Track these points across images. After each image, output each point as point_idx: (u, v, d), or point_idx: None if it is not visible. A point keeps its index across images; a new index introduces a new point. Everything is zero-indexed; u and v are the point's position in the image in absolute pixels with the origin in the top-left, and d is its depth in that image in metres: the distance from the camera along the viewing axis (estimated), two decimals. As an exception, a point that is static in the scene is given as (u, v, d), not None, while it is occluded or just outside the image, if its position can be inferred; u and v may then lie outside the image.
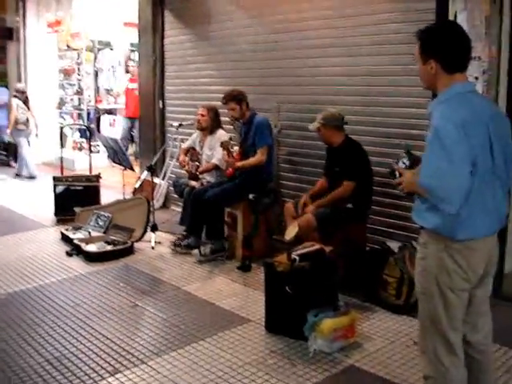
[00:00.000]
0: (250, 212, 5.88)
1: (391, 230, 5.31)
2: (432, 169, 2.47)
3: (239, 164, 5.88)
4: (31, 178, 10.62)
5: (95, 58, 12.03)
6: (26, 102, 10.63)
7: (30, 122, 10.73)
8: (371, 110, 5.49)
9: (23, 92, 10.75)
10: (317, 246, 4.34)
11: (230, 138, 6.13)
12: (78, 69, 11.85)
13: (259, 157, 5.83)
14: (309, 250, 4.27)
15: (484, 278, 2.69)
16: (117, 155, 7.25)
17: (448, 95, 2.58)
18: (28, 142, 10.92)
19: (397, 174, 2.78)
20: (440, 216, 2.51)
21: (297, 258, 4.09)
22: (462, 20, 4.50)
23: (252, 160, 5.86)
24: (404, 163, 2.79)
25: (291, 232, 5.06)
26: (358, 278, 4.81)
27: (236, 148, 6.28)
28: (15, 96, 10.62)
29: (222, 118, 6.51)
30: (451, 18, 4.58)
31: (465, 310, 2.66)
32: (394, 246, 4.81)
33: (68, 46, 11.92)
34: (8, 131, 10.97)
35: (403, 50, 5.08)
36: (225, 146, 5.81)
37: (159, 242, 6.36)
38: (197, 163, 6.46)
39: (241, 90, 6.02)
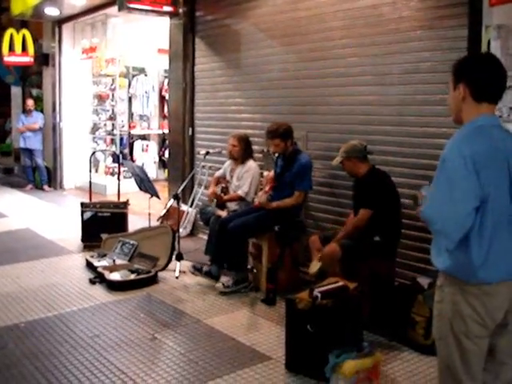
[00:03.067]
0: (275, 243, 5.74)
1: (421, 265, 5.09)
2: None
3: (274, 205, 5.74)
4: None
5: (129, 84, 12.14)
6: None
7: None
8: (402, 139, 5.32)
9: None
10: (340, 283, 4.17)
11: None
12: (112, 94, 11.95)
13: (296, 199, 5.71)
14: (332, 286, 4.10)
15: (506, 326, 2.50)
16: (143, 183, 7.20)
17: (468, 128, 2.47)
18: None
19: (419, 201, 2.68)
20: (454, 257, 2.39)
21: (319, 295, 3.92)
22: (495, 48, 4.33)
23: (287, 202, 5.71)
24: (428, 191, 2.67)
25: (315, 265, 4.90)
26: (384, 315, 4.62)
27: (265, 173, 6.20)
28: None
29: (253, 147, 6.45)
30: (484, 46, 4.42)
31: (484, 358, 2.49)
32: (424, 282, 4.60)
33: (103, 73, 12.04)
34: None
35: (435, 78, 4.95)
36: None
37: (184, 272, 6.24)
38: (222, 185, 6.40)
39: (288, 125, 5.79)
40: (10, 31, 12.79)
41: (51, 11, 11.09)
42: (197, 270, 6.01)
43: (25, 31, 12.83)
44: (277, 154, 5.87)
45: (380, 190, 4.86)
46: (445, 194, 2.34)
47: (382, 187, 4.89)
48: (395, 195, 4.92)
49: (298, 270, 5.91)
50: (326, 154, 6.01)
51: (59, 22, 12.15)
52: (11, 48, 12.77)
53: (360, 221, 4.83)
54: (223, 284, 5.71)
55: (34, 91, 14.24)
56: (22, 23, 13.17)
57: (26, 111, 12.71)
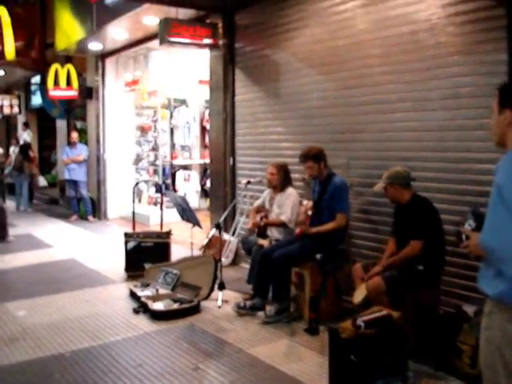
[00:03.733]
0: (317, 272, 5.71)
1: (467, 293, 4.99)
2: (493, 229, 2.35)
3: (314, 230, 5.74)
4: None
5: (171, 115, 12.33)
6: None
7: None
8: (443, 165, 5.27)
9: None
10: (384, 312, 4.12)
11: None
12: (155, 126, 12.15)
13: (338, 223, 5.68)
14: (375, 315, 4.05)
15: None
16: (185, 212, 7.27)
17: None
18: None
19: (463, 236, 2.63)
20: (507, 283, 2.32)
21: (362, 324, 3.88)
22: (536, 72, 4.29)
23: (330, 225, 5.70)
24: (470, 225, 2.64)
25: (359, 295, 4.85)
26: (430, 344, 4.53)
27: (304, 202, 6.20)
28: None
29: (292, 175, 6.45)
30: (524, 70, 4.38)
31: None
32: (470, 310, 4.52)
33: (145, 105, 12.25)
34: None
35: (475, 103, 4.91)
36: (306, 231, 5.74)
37: (226, 301, 6.24)
38: (263, 213, 6.41)
39: (319, 148, 5.89)
40: (55, 66, 13.16)
41: (94, 46, 11.41)
42: (241, 308, 5.98)
43: (69, 66, 13.17)
44: (312, 180, 5.92)
45: (426, 218, 4.81)
46: (504, 220, 2.30)
47: (427, 215, 4.83)
48: (438, 222, 4.86)
49: (341, 298, 5.85)
50: (366, 181, 5.98)
51: (102, 56, 12.46)
52: (56, 82, 13.13)
53: (413, 251, 4.75)
54: (265, 314, 5.70)
55: (79, 124, 14.56)
56: (66, 58, 13.53)
57: (70, 143, 13.00)
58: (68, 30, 11.32)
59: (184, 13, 8.13)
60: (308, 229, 5.75)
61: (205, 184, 12.61)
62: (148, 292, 6.46)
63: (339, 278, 5.86)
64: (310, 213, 6.06)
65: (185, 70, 11.51)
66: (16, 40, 13.76)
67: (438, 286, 4.91)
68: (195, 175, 12.84)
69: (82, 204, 12.90)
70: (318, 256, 5.64)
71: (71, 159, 12.62)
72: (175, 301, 6.14)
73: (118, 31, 10.14)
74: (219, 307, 6.12)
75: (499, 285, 2.37)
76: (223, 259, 7.29)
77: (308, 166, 5.84)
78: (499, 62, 4.68)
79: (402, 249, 4.88)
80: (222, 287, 6.27)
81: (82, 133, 13.69)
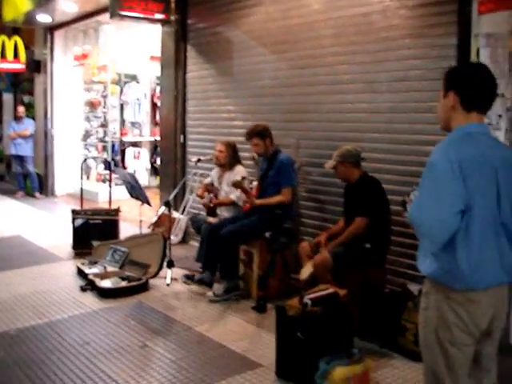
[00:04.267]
0: (266, 250, 5.75)
1: (412, 272, 5.10)
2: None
3: (258, 202, 5.76)
4: None
5: (121, 91, 12.12)
6: None
7: None
8: (391, 147, 5.35)
9: None
10: (330, 290, 4.18)
11: (243, 178, 5.99)
12: (104, 101, 11.95)
13: (284, 197, 5.71)
14: (322, 293, 4.12)
15: (491, 334, 2.52)
16: (134, 190, 7.20)
17: (456, 134, 2.48)
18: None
19: (407, 206, 2.73)
20: (440, 262, 2.41)
21: (309, 302, 3.93)
22: (484, 56, 4.37)
23: (275, 199, 5.73)
24: (415, 195, 2.70)
25: (306, 271, 4.92)
26: (375, 322, 4.63)
27: (254, 183, 6.20)
28: None
29: (242, 154, 6.44)
30: (473, 54, 4.45)
31: (469, 364, 2.50)
32: (415, 288, 4.61)
33: (95, 79, 12.03)
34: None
35: (424, 86, 4.99)
36: (237, 185, 5.72)
37: (175, 279, 6.23)
38: (212, 195, 6.39)
39: (265, 125, 5.93)
40: (1, 38, 12.76)
41: (43, 18, 11.09)
42: (189, 278, 6.02)
43: (16, 38, 12.81)
44: (262, 158, 5.97)
45: (373, 197, 4.89)
46: (430, 197, 2.37)
47: (374, 194, 4.91)
48: (386, 202, 4.94)
49: (289, 277, 5.90)
50: (315, 161, 6.03)
51: (51, 28, 12.14)
52: (3, 55, 12.75)
53: (358, 229, 4.82)
54: (214, 293, 5.71)
55: (26, 98, 14.20)
56: (13, 30, 13.14)
57: (17, 118, 12.69)
58: (16, 0, 10.97)
59: (136, -14, 7.98)
60: (253, 201, 5.75)
61: (155, 161, 12.49)
62: (96, 270, 6.39)
63: (287, 256, 5.91)
64: (253, 185, 6.09)
65: (136, 45, 11.36)
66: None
67: (384, 264, 5.01)
68: (145, 152, 12.70)
69: (28, 180, 12.64)
70: (267, 234, 5.67)
71: (17, 134, 12.31)
72: (123, 278, 6.10)
73: (67, 3, 9.88)
74: (168, 285, 6.11)
75: (432, 263, 2.44)
76: (172, 237, 7.26)
77: (254, 143, 5.87)
78: (450, 45, 4.75)
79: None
80: (170, 265, 6.25)
81: (29, 107, 13.34)
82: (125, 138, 12.29)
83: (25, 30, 12.99)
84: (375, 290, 4.80)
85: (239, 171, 6.27)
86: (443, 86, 2.59)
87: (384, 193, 4.95)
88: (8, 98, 15.30)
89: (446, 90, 2.57)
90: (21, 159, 12.44)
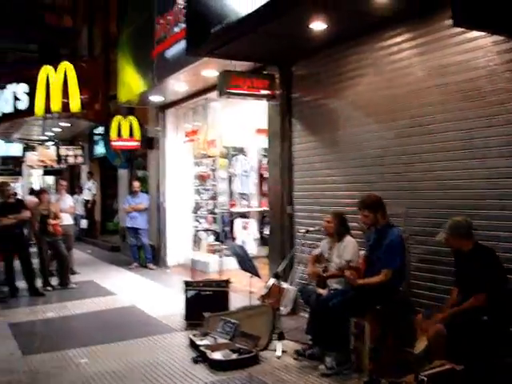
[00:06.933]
0: (377, 323, 5.61)
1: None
2: None
3: (361, 282, 5.68)
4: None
5: (229, 164, 12.50)
6: None
7: None
8: (506, 213, 5.15)
9: None
10: (447, 366, 4.01)
11: (348, 262, 5.88)
12: (213, 174, 12.33)
13: (384, 277, 5.58)
14: (438, 369, 3.95)
15: None
16: (244, 262, 7.29)
17: None
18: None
19: None
20: None
21: (425, 379, 3.79)
22: None
23: (374, 280, 5.63)
24: None
25: (420, 345, 4.74)
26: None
27: (362, 252, 6.14)
28: None
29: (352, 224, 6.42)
30: None
31: None
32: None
33: (204, 154, 12.47)
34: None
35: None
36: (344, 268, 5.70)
37: (285, 351, 6.19)
38: (324, 265, 6.35)
39: (377, 197, 5.86)
40: (117, 118, 13.65)
41: (156, 98, 11.78)
42: (300, 355, 5.96)
43: (131, 117, 13.65)
44: (372, 229, 5.86)
45: (489, 268, 4.70)
46: None
47: (490, 265, 4.72)
48: (503, 272, 4.74)
49: (402, 350, 5.70)
50: (426, 230, 5.89)
51: (163, 107, 12.83)
52: (119, 133, 13.58)
53: (477, 304, 4.64)
54: (326, 366, 5.61)
55: (140, 173, 14.92)
56: (128, 110, 13.99)
57: (132, 192, 13.31)
58: (130, 83, 11.74)
59: (241, 65, 8.31)
60: (355, 281, 5.67)
61: (263, 231, 12.64)
62: (207, 341, 6.47)
63: (400, 329, 5.73)
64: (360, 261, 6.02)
65: (242, 119, 11.70)
66: (81, 93, 14.35)
67: (503, 336, 4.74)
68: (253, 223, 12.89)
69: (142, 251, 13.08)
70: (378, 306, 5.55)
71: (133, 207, 12.87)
72: (234, 351, 6.12)
73: (177, 84, 10.45)
74: (278, 358, 6.07)
75: None
76: (282, 308, 7.22)
77: (364, 214, 5.81)
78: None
79: (465, 298, 4.77)
80: (280, 337, 6.23)
81: (143, 182, 14.00)
82: (233, 209, 12.56)
83: (139, 109, 13.80)
84: (494, 365, 4.54)
85: (349, 241, 6.23)
86: None
87: (499, 262, 4.75)
88: (123, 173, 16.11)
89: None
90: (135, 231, 12.94)
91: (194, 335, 6.75)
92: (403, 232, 6.02)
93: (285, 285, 7.66)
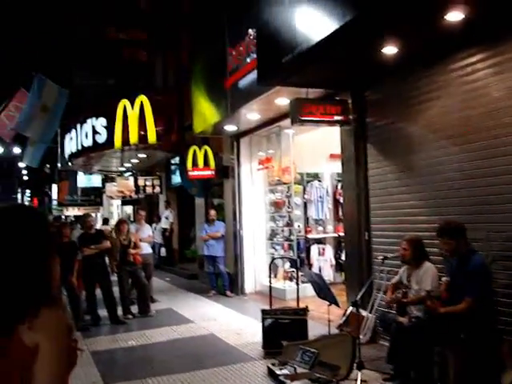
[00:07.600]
0: (462, 352, 5.42)
1: None
2: None
3: (443, 310, 5.52)
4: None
5: (304, 190, 12.48)
6: None
7: None
8: None
9: None
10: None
11: (428, 292, 5.77)
12: (288, 201, 12.34)
13: (466, 306, 5.39)
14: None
15: None
16: (321, 290, 7.23)
17: None
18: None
19: None
20: None
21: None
22: None
23: (458, 308, 5.45)
24: None
25: (508, 377, 4.54)
26: None
27: (444, 279, 5.96)
28: None
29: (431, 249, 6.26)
30: None
31: None
32: None
33: (278, 181, 12.53)
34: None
35: None
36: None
37: (365, 381, 6.06)
38: (403, 290, 6.21)
39: (458, 224, 5.67)
40: (193, 148, 13.92)
41: (230, 128, 11.94)
42: None
43: (206, 147, 13.88)
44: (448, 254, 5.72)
45: None
46: None
47: None
48: None
49: (490, 380, 5.48)
50: (510, 255, 5.68)
51: (237, 136, 12.97)
52: (194, 163, 13.82)
53: None
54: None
55: (216, 201, 15.10)
56: (203, 140, 14.23)
57: (208, 221, 13.46)
58: (205, 113, 11.96)
59: (313, 91, 8.33)
60: (437, 310, 5.52)
61: (339, 257, 12.52)
62: (286, 371, 6.42)
63: (486, 358, 5.52)
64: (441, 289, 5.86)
65: (316, 145, 11.69)
66: (157, 125, 14.74)
67: None
68: (329, 249, 12.78)
69: (220, 279, 13.17)
70: (462, 335, 5.37)
71: (210, 235, 13.01)
72: (313, 381, 6.06)
73: (251, 113, 10.57)
74: (358, 388, 5.96)
75: None
76: (361, 337, 7.11)
77: (444, 241, 5.64)
78: None
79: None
80: (360, 367, 6.11)
81: (219, 210, 14.16)
82: (309, 236, 12.51)
83: (213, 138, 14.02)
84: None
85: (428, 268, 6.09)
86: None
87: None
88: (200, 202, 16.35)
89: None
90: (213, 259, 13.04)
91: (273, 364, 6.73)
92: (486, 257, 5.83)
93: (364, 313, 7.55)
